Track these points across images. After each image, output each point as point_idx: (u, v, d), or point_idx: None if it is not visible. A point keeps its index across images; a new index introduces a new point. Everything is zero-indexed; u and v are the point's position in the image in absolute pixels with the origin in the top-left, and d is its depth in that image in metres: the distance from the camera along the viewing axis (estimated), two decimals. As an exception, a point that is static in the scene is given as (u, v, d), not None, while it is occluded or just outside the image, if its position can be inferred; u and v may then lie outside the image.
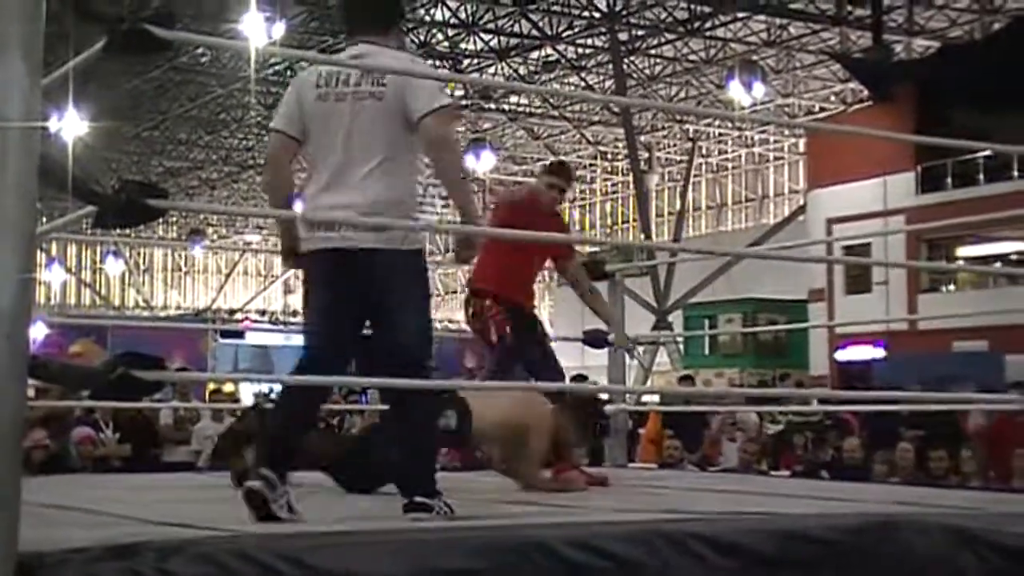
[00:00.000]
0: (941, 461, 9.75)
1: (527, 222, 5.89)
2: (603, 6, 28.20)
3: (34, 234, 2.93)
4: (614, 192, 49.69)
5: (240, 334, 29.52)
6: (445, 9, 29.09)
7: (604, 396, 7.40)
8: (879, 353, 27.14)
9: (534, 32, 30.04)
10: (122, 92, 31.05)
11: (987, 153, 25.37)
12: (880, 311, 26.97)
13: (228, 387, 15.40)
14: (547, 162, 6.82)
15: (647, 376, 30.95)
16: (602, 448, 7.90)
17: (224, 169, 42.68)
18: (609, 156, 44.08)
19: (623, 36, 30.05)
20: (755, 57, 30.61)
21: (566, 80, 34.15)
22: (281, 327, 35.61)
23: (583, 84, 33.83)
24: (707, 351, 32.38)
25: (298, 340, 4.62)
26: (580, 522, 3.92)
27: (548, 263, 6.79)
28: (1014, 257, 28.75)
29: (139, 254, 54.84)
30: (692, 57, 32.81)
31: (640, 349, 28.73)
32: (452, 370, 14.68)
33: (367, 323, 4.31)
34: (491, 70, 32.26)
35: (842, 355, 28.54)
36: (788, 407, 12.72)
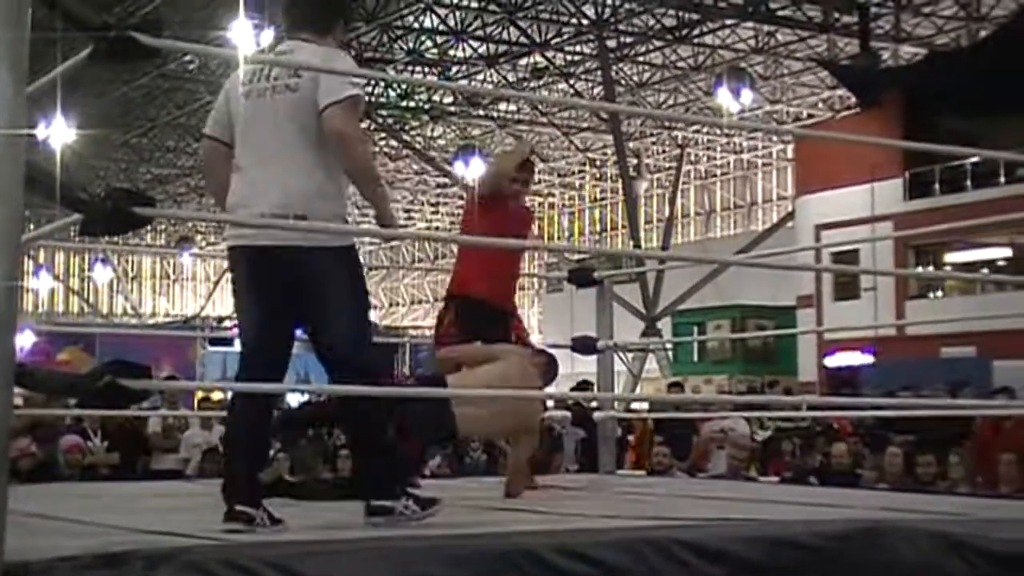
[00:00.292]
0: (929, 467, 9.75)
1: (493, 218, 5.99)
2: (591, 13, 28.26)
3: (20, 241, 2.92)
4: (603, 199, 49.75)
5: (229, 341, 29.36)
6: (434, 16, 29.12)
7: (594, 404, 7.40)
8: (867, 359, 27.19)
9: (523, 39, 30.10)
10: (110, 99, 31.02)
11: (974, 159, 25.44)
12: (868, 317, 27.01)
13: (217, 395, 15.36)
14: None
15: (636, 383, 30.99)
16: (594, 455, 7.85)
17: (212, 176, 42.61)
18: (598, 163, 44.14)
19: (611, 43, 30.12)
20: (743, 64, 30.72)
21: (555, 87, 34.21)
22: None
23: (572, 91, 33.88)
24: (696, 358, 32.41)
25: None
26: (567, 529, 3.92)
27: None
28: (1001, 263, 28.83)
29: (127, 261, 54.77)
30: (680, 64, 32.91)
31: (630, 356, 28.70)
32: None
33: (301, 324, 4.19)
34: (480, 77, 32.30)
35: (830, 361, 28.58)
36: (777, 413, 12.74)
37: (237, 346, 4.33)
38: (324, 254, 3.99)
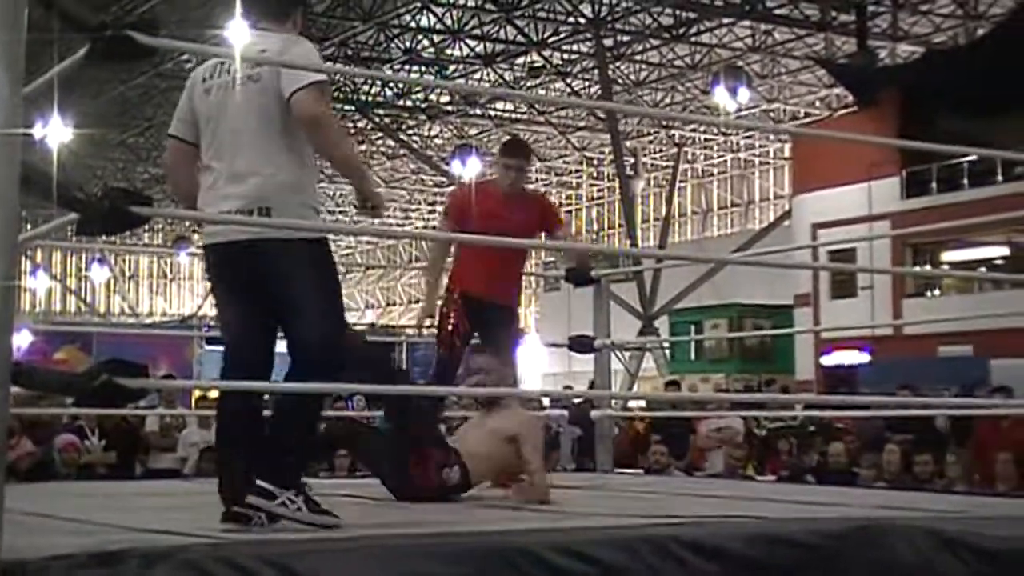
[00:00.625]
0: (927, 465, 9.77)
1: (469, 211, 6.06)
2: (588, 12, 28.25)
3: (17, 241, 2.93)
4: (600, 198, 49.74)
5: (226, 341, 29.42)
6: (431, 15, 29.11)
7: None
8: (864, 358, 27.19)
9: (520, 38, 30.09)
10: (107, 99, 31.00)
11: (972, 157, 25.43)
12: (865, 316, 27.00)
13: (214, 394, 15.32)
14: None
15: (633, 382, 31.00)
16: (593, 454, 7.85)
17: (209, 175, 42.58)
18: (595, 162, 44.15)
19: (608, 42, 30.11)
20: (740, 62, 30.72)
21: (552, 86, 34.20)
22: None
23: (569, 90, 33.87)
24: (693, 356, 32.40)
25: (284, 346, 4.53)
26: (565, 527, 3.93)
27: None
28: (999, 261, 28.82)
29: (124, 261, 54.72)
30: (677, 63, 32.91)
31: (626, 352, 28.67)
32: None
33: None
34: (477, 76, 32.28)
35: (827, 360, 28.57)
36: (774, 412, 12.75)
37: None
38: (290, 246, 3.92)
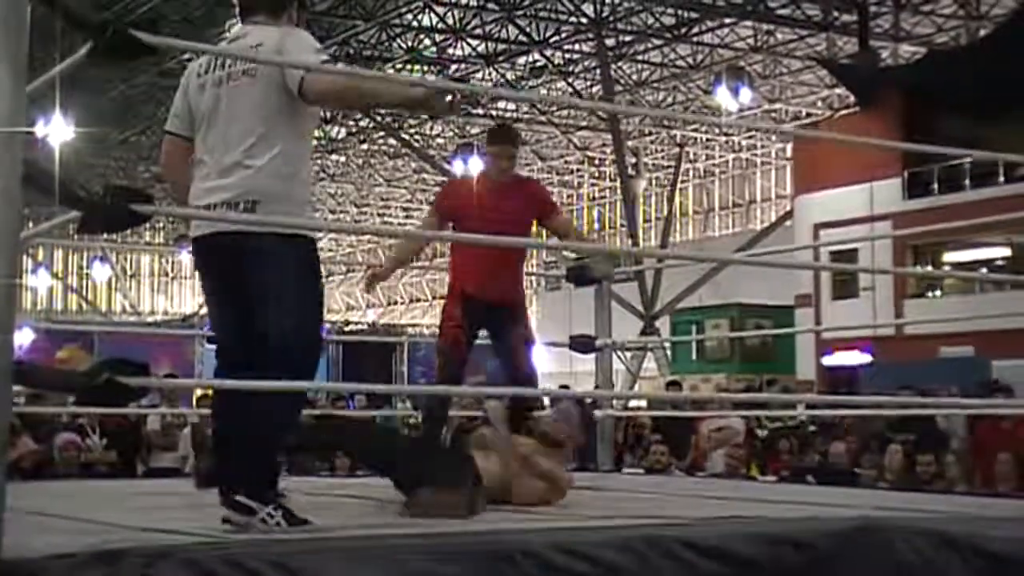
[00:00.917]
0: (929, 466, 9.77)
1: (458, 203, 5.97)
2: (590, 12, 28.26)
3: (19, 239, 2.93)
4: (601, 197, 49.75)
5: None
6: (433, 14, 29.11)
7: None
8: (866, 358, 27.18)
9: (521, 38, 30.09)
10: (109, 97, 31.00)
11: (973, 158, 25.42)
12: (867, 316, 27.01)
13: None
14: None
15: (634, 382, 30.99)
16: (594, 453, 7.85)
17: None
18: (596, 161, 44.15)
19: (610, 42, 30.12)
20: (742, 63, 30.72)
21: (553, 85, 34.20)
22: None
23: (570, 89, 33.88)
24: (694, 356, 32.40)
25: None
26: (566, 527, 3.93)
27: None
28: (1000, 262, 28.82)
29: (126, 259, 54.74)
30: (679, 63, 32.91)
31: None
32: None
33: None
34: (478, 75, 32.29)
35: (829, 360, 28.58)
36: (776, 412, 12.74)
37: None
38: (271, 239, 3.87)
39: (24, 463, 8.91)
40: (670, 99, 35.97)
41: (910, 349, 25.17)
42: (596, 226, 50.21)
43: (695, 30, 29.75)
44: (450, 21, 29.41)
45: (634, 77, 34.13)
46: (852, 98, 30.76)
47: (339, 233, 55.74)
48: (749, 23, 29.53)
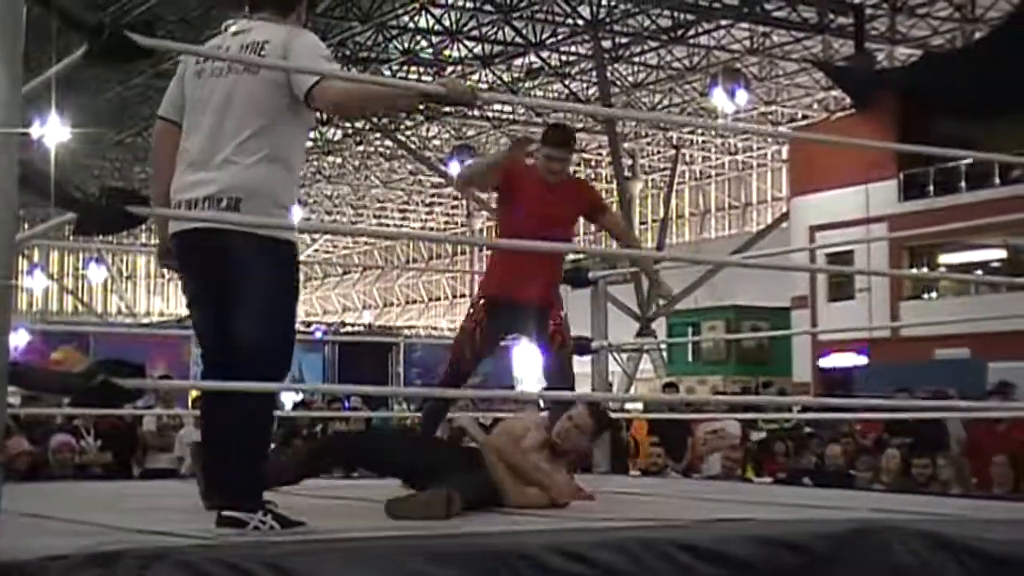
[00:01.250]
0: (925, 468, 9.77)
1: (522, 184, 5.66)
2: (587, 14, 28.26)
3: (15, 240, 2.92)
4: (598, 199, 49.74)
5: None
6: (429, 16, 29.11)
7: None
8: (861, 360, 27.22)
9: (518, 39, 30.09)
10: (105, 98, 30.96)
11: (969, 160, 25.47)
12: (863, 318, 27.03)
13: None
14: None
15: (631, 383, 30.98)
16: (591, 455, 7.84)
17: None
18: (593, 163, 44.15)
19: (606, 43, 30.12)
20: (738, 65, 30.74)
21: (550, 87, 34.20)
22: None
23: (567, 91, 33.88)
24: (690, 358, 32.43)
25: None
26: (563, 529, 3.93)
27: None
28: (996, 264, 28.87)
29: (122, 261, 54.71)
30: (675, 64, 32.93)
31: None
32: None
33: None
34: (475, 77, 32.27)
35: (825, 362, 28.62)
36: (772, 414, 12.75)
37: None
38: (252, 241, 3.80)
39: (19, 464, 8.90)
40: (666, 101, 35.99)
41: (906, 351, 25.21)
42: (592, 227, 50.21)
43: (691, 32, 29.76)
44: (447, 23, 29.41)
45: (630, 79, 34.14)
46: (848, 100, 30.80)
47: (335, 235, 55.68)
48: (745, 25, 29.55)
